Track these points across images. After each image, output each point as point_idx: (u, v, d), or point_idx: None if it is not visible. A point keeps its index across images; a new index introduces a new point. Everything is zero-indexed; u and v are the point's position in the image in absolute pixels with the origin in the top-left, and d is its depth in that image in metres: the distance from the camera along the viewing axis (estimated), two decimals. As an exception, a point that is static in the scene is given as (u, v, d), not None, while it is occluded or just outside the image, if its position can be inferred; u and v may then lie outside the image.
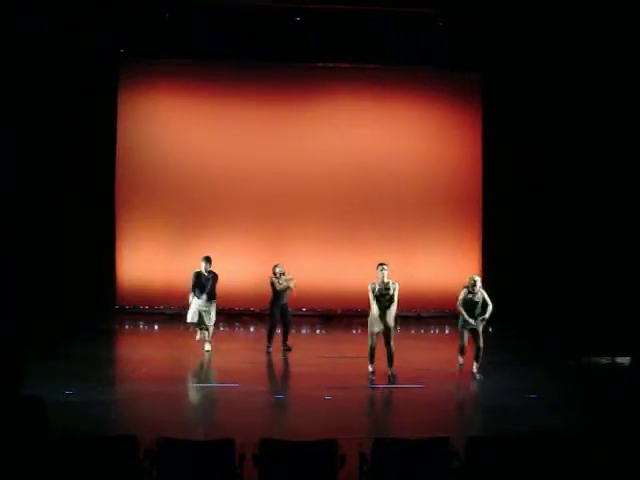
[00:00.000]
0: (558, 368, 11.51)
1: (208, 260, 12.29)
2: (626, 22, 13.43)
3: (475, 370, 10.70)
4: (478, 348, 10.69)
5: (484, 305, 10.66)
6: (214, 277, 12.29)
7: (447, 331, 15.21)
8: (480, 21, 14.88)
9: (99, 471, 5.43)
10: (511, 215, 15.84)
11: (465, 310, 10.66)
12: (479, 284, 10.67)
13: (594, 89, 14.42)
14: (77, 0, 14.24)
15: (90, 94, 15.31)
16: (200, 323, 12.24)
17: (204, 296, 12.11)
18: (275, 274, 12.36)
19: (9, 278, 13.76)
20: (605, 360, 12.07)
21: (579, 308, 14.04)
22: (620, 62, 13.95)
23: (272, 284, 12.33)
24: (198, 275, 12.22)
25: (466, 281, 10.83)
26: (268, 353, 12.31)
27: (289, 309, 12.58)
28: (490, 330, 10.57)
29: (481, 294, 10.66)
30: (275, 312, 12.39)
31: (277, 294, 12.34)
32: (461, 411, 9.69)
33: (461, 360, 11.04)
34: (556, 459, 5.55)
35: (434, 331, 15.61)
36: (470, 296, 10.64)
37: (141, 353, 12.73)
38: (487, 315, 10.63)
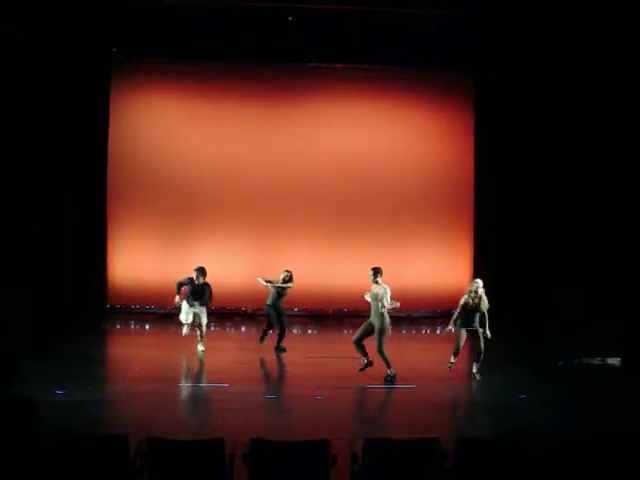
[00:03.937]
0: (549, 368, 11.53)
1: (201, 272, 12.09)
2: (619, 22, 13.48)
3: (475, 370, 10.62)
4: (479, 352, 10.56)
5: (483, 313, 10.50)
6: (210, 289, 12.20)
7: (438, 331, 15.23)
8: (472, 22, 14.91)
9: (90, 471, 5.43)
10: (503, 215, 15.89)
11: (464, 315, 10.50)
12: (481, 290, 10.48)
13: (586, 89, 14.48)
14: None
15: (82, 92, 15.27)
16: (194, 322, 12.27)
17: (196, 303, 12.11)
18: (282, 279, 12.53)
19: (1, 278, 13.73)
20: (596, 361, 12.11)
21: (572, 308, 14.08)
22: (612, 63, 14.00)
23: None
24: (192, 281, 12.10)
25: (470, 285, 10.71)
26: (261, 344, 12.53)
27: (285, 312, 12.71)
28: (488, 334, 10.49)
29: (480, 299, 10.46)
30: (271, 313, 12.50)
31: (275, 297, 12.48)
32: (452, 412, 9.70)
33: (453, 359, 10.77)
34: (546, 459, 5.57)
35: (426, 331, 15.63)
36: (471, 301, 10.48)
37: (132, 352, 12.73)
38: (487, 331, 10.52)
